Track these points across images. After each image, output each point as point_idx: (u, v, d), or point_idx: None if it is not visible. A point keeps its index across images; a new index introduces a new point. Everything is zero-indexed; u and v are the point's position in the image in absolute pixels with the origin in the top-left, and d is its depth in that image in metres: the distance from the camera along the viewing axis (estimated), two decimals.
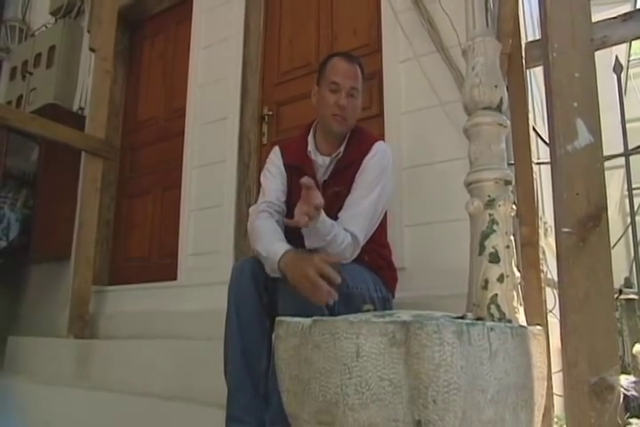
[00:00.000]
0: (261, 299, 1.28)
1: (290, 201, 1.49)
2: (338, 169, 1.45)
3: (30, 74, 3.30)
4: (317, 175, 1.46)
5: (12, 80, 3.46)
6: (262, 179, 1.52)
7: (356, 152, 1.44)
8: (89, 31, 3.08)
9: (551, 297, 1.27)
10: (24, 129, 2.47)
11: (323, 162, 1.47)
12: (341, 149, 1.46)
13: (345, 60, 1.47)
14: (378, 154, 1.42)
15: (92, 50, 2.81)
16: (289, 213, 1.50)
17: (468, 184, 1.00)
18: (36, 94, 3.21)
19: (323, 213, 1.20)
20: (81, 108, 3.16)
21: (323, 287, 1.07)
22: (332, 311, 1.14)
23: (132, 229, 2.96)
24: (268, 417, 1.18)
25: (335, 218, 1.33)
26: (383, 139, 1.45)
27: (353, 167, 1.42)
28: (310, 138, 1.50)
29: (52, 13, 3.40)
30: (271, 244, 1.26)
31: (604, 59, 1.61)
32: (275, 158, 1.52)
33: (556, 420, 1.16)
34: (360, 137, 1.49)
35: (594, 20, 0.96)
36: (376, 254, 1.44)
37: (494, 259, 0.92)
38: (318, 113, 1.48)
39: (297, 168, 1.46)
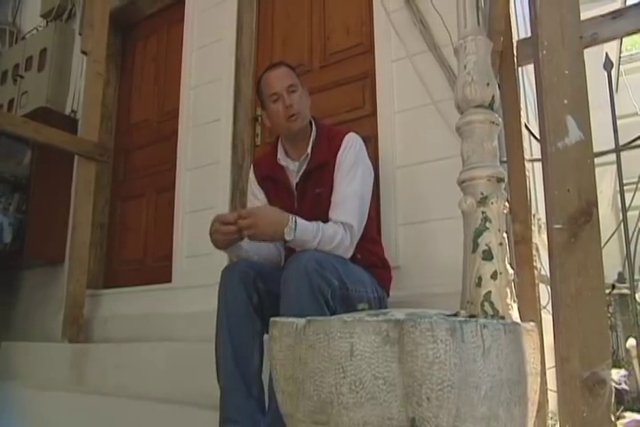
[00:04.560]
0: (251, 300, 1.29)
1: None
2: (309, 170, 1.46)
3: (21, 77, 3.28)
4: (290, 180, 1.50)
5: (4, 84, 3.44)
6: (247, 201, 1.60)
7: (326, 151, 1.45)
8: (80, 34, 3.07)
9: (545, 293, 1.28)
10: (16, 133, 2.46)
11: (294, 167, 1.50)
12: (309, 150, 1.47)
13: (270, 70, 1.52)
14: (348, 146, 1.44)
15: (83, 52, 2.80)
16: None
17: (460, 182, 1.00)
18: (28, 98, 3.19)
19: (300, 221, 1.24)
20: (73, 112, 3.14)
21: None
22: (333, 313, 1.15)
23: (126, 231, 2.95)
24: (268, 421, 1.18)
25: (324, 220, 1.34)
26: (352, 131, 1.49)
27: (329, 167, 1.43)
28: (279, 146, 1.54)
29: (43, 16, 3.38)
30: None
31: (596, 56, 1.62)
32: (252, 177, 1.59)
33: (550, 415, 1.17)
34: (328, 135, 1.49)
35: (584, 17, 0.96)
36: (368, 252, 1.44)
37: (488, 256, 0.92)
38: (276, 129, 1.52)
39: (271, 178, 1.52)
